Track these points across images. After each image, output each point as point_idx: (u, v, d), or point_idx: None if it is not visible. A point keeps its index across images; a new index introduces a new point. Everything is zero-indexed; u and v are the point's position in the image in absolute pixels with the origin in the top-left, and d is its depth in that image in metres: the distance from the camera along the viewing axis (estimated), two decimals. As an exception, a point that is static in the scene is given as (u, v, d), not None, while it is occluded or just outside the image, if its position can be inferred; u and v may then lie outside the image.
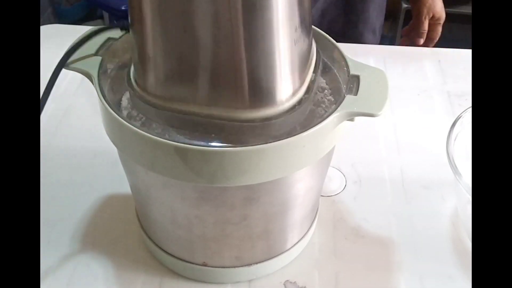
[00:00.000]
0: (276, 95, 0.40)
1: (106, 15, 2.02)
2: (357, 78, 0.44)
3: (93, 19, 2.17)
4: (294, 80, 0.41)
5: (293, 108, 0.41)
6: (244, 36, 0.37)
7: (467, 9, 1.73)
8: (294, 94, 0.42)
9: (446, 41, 1.05)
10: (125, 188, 0.54)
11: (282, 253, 0.51)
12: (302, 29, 0.41)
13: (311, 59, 0.44)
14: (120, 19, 1.98)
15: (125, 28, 0.46)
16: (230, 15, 0.36)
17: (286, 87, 0.41)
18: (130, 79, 0.45)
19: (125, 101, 0.45)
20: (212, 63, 0.38)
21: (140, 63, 0.42)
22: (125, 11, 2.03)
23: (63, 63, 0.44)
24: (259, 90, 0.40)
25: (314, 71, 0.44)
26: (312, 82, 0.44)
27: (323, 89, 0.46)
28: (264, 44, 0.38)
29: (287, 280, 0.51)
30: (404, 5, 1.73)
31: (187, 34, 0.38)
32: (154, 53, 0.40)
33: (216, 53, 0.38)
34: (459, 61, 0.79)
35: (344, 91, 0.43)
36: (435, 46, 0.98)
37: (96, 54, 0.46)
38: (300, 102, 0.42)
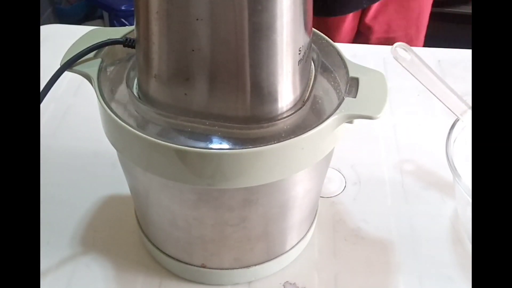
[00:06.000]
0: (278, 107, 0.42)
1: (106, 15, 2.02)
2: (356, 80, 0.44)
3: (93, 19, 2.17)
4: (295, 91, 0.42)
5: (293, 114, 0.42)
6: (250, 58, 0.38)
7: (467, 9, 1.73)
8: (294, 101, 0.42)
9: (446, 41, 1.04)
10: (124, 189, 0.54)
11: (282, 254, 0.51)
12: (305, 50, 0.41)
13: (311, 70, 0.45)
14: (119, 19, 1.97)
15: (129, 45, 0.46)
16: (237, 38, 0.37)
17: (287, 99, 0.42)
18: (130, 79, 0.45)
19: (124, 102, 0.45)
20: (218, 79, 0.39)
21: (144, 76, 0.42)
22: (125, 11, 2.04)
23: (62, 71, 0.45)
24: (261, 102, 0.41)
25: (314, 76, 0.45)
26: (312, 86, 0.44)
27: (322, 92, 0.46)
28: (269, 65, 0.39)
29: (287, 282, 0.51)
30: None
31: (195, 53, 0.38)
32: (160, 70, 0.40)
33: (223, 72, 0.39)
34: (459, 61, 0.79)
35: (343, 93, 0.43)
36: (435, 46, 0.98)
37: (95, 56, 0.46)
38: (300, 108, 0.42)
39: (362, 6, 0.96)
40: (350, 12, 0.96)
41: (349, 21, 0.97)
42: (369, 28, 1.00)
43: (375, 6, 0.98)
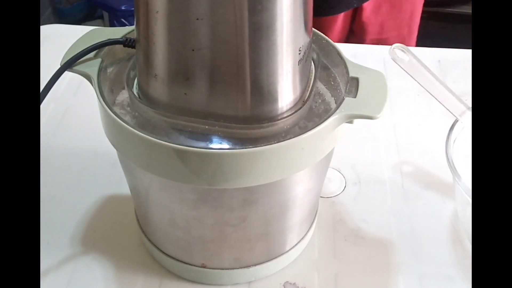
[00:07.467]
0: (278, 107, 0.41)
1: (106, 15, 2.02)
2: (356, 80, 0.44)
3: (93, 19, 2.17)
4: (295, 92, 0.42)
5: (293, 114, 0.42)
6: (250, 58, 0.38)
7: (467, 9, 1.73)
8: (295, 101, 0.42)
9: (446, 41, 1.04)
10: (124, 189, 0.54)
11: (282, 254, 0.51)
12: (305, 50, 0.41)
13: (311, 70, 0.45)
14: (119, 19, 1.97)
15: (129, 45, 0.46)
16: (237, 38, 0.37)
17: (288, 99, 0.42)
18: (130, 79, 0.45)
19: (124, 102, 0.45)
20: (218, 78, 0.39)
21: (144, 76, 0.42)
22: (125, 11, 2.04)
23: (62, 71, 0.45)
24: (261, 102, 0.41)
25: (314, 76, 0.45)
26: (312, 86, 0.44)
27: (322, 92, 0.46)
28: (269, 65, 0.39)
29: (287, 281, 0.51)
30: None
31: (195, 53, 0.38)
32: (160, 70, 0.40)
33: (223, 71, 0.39)
34: (459, 61, 0.79)
35: (343, 93, 0.43)
36: (435, 46, 0.98)
37: (95, 56, 0.46)
38: (300, 108, 0.42)
39: (352, 6, 0.96)
40: (340, 12, 0.96)
41: (340, 21, 0.98)
42: (362, 29, 1.01)
43: (367, 7, 0.98)
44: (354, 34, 1.03)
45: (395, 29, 1.02)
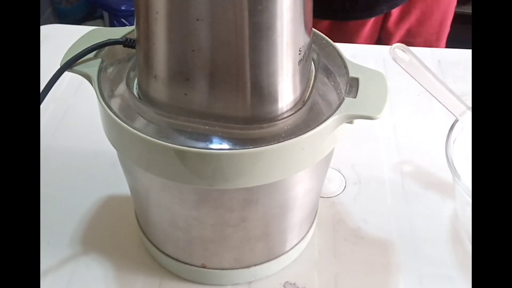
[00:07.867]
0: (278, 107, 0.42)
1: (106, 15, 2.02)
2: (356, 80, 0.44)
3: (93, 19, 2.18)
4: (295, 92, 0.42)
5: (293, 114, 0.42)
6: (250, 58, 0.38)
7: (467, 9, 1.73)
8: (295, 102, 0.42)
9: (446, 41, 1.04)
10: (124, 189, 0.54)
11: (282, 254, 0.51)
12: (305, 50, 0.41)
13: (312, 70, 0.45)
14: (119, 19, 1.96)
15: (129, 45, 0.46)
16: (237, 38, 0.37)
17: (288, 99, 0.42)
18: (130, 79, 0.45)
19: (124, 103, 0.45)
20: (218, 79, 0.39)
21: (144, 76, 0.42)
22: (125, 11, 2.04)
23: (62, 71, 0.45)
24: (261, 102, 0.41)
25: (314, 76, 0.45)
26: (312, 86, 0.44)
27: (322, 92, 0.46)
28: (269, 65, 0.39)
29: (287, 282, 0.51)
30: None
31: (195, 53, 0.38)
32: (160, 70, 0.40)
33: (223, 72, 0.39)
34: (459, 61, 0.79)
35: (343, 93, 0.43)
36: (435, 46, 0.97)
37: (95, 56, 0.46)
38: (300, 108, 0.42)
39: (382, 12, 0.94)
40: (369, 17, 0.94)
41: (370, 26, 0.95)
42: (389, 34, 0.99)
43: (397, 13, 0.96)
44: (381, 40, 1.01)
45: (422, 35, 0.99)
